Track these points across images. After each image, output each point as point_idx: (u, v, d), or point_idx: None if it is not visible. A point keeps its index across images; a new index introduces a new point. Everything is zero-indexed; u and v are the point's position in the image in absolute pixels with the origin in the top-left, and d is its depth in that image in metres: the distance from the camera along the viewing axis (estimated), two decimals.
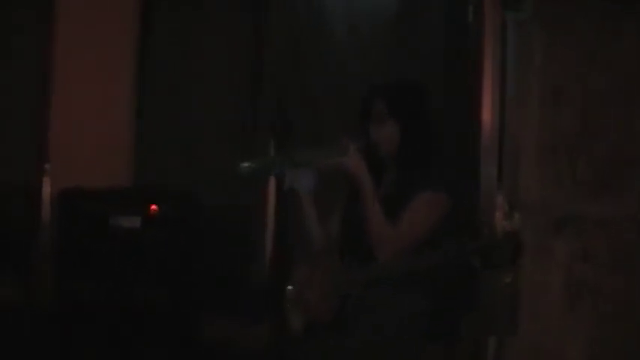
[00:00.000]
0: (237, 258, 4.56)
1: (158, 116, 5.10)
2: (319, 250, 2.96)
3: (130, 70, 5.16)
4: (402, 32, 4.20)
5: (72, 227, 4.41)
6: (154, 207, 4.35)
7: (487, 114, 3.81)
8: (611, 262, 3.38)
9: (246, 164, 2.81)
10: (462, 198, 3.06)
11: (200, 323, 4.42)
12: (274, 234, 4.44)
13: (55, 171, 5.03)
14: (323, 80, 4.45)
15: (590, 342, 3.38)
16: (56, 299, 4.44)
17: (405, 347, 2.74)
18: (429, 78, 3.97)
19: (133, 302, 4.27)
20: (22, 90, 5.64)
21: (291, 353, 2.92)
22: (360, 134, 2.88)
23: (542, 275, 3.52)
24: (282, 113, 4.53)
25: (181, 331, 4.32)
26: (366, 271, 2.76)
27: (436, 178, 2.84)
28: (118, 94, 5.14)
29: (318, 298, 2.85)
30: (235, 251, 4.58)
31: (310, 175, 2.85)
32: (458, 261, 2.55)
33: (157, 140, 5.08)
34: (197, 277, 4.40)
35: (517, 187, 3.70)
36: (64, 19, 5.16)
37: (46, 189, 4.99)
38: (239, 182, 4.17)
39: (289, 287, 2.95)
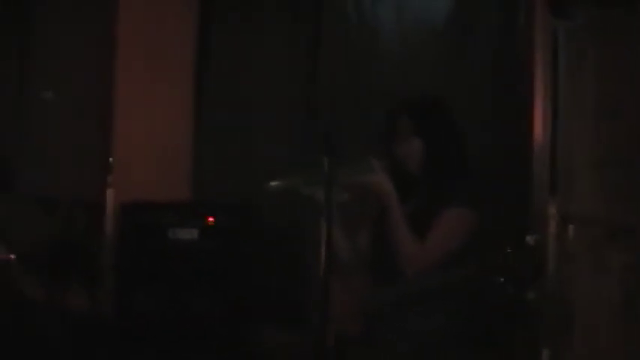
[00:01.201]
0: (291, 270, 4.60)
1: (216, 132, 5.20)
2: (348, 264, 2.99)
3: (189, 88, 5.29)
4: (452, 44, 4.17)
5: (132, 239, 4.53)
6: (211, 219, 4.44)
7: (538, 125, 3.77)
8: None
9: (273, 183, 2.87)
10: (499, 213, 3.04)
11: (254, 334, 4.47)
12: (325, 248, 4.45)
13: (117, 185, 5.16)
14: (373, 93, 4.46)
15: None
16: (117, 309, 4.56)
17: None
18: (477, 89, 3.96)
19: (191, 312, 4.36)
20: (87, 108, 5.84)
21: None
22: (386, 151, 2.89)
23: (596, 287, 3.46)
24: (332, 129, 4.54)
25: (236, 342, 4.39)
26: (395, 288, 2.77)
27: (462, 193, 2.83)
28: (178, 110, 5.27)
29: (347, 312, 2.87)
30: (289, 263, 4.62)
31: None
32: (481, 278, 2.54)
33: (215, 155, 5.17)
34: (252, 288, 4.45)
35: (571, 200, 3.65)
36: (124, 40, 5.31)
37: (109, 203, 5.13)
38: (292, 196, 4.23)
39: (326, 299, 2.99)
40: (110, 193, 5.10)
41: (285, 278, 4.62)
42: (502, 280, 2.50)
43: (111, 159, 5.05)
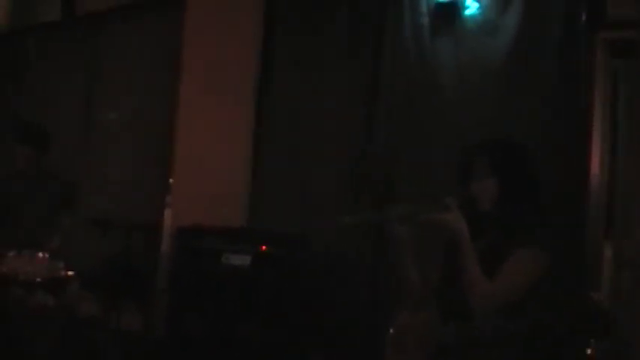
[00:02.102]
0: (344, 300, 4.60)
1: (274, 161, 5.25)
2: (418, 299, 2.99)
3: (250, 114, 5.35)
4: (511, 83, 4.16)
5: (186, 262, 4.61)
6: (264, 247, 4.48)
7: (595, 165, 3.73)
8: None
9: (345, 219, 2.91)
10: (564, 255, 3.00)
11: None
12: (379, 279, 4.46)
13: (175, 208, 5.26)
14: (432, 132, 4.46)
15: None
16: (168, 330, 4.63)
17: None
18: (536, 129, 3.93)
19: (239, 336, 4.39)
20: (150, 132, 5.97)
21: None
22: (460, 189, 2.91)
23: None
24: (388, 168, 4.56)
25: None
26: (463, 327, 2.76)
27: (536, 235, 2.81)
28: (238, 136, 5.35)
29: (415, 345, 2.87)
30: (342, 294, 4.62)
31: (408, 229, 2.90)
32: (548, 329, 2.50)
33: (272, 184, 5.22)
34: (303, 316, 4.47)
35: (632, 242, 3.59)
36: (187, 65, 5.43)
37: (166, 225, 5.24)
38: (348, 229, 4.26)
39: (390, 331, 2.99)
40: (168, 215, 5.21)
41: (336, 308, 4.62)
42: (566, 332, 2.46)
43: (171, 180, 5.16)
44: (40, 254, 4.34)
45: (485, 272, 2.74)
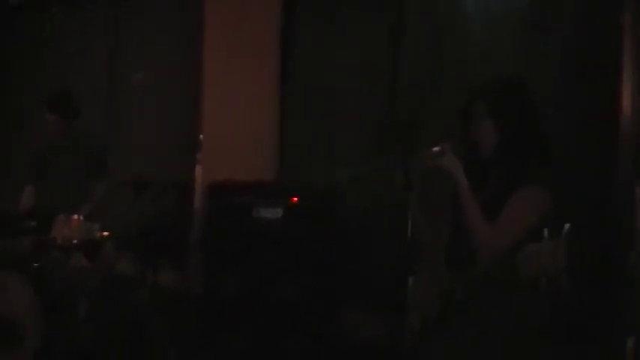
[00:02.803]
0: (373, 250, 4.63)
1: (300, 114, 5.27)
2: (428, 248, 2.99)
3: (275, 70, 5.34)
4: (536, 27, 4.10)
5: (219, 218, 4.65)
6: (295, 199, 4.50)
7: (627, 103, 3.68)
8: None
9: (346, 172, 2.91)
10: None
11: (336, 314, 4.53)
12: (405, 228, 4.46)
13: (205, 166, 5.29)
14: (455, 78, 4.43)
15: None
16: (204, 286, 4.70)
17: (518, 346, 2.71)
18: (561, 72, 3.89)
19: (273, 289, 4.44)
20: (177, 91, 6.00)
21: (413, 345, 2.97)
22: (460, 134, 2.88)
23: None
24: (413, 116, 4.54)
25: (318, 321, 4.45)
26: (469, 272, 2.76)
27: (536, 174, 2.76)
28: (264, 93, 5.35)
29: (424, 292, 2.88)
30: (371, 244, 4.65)
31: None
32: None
33: (300, 136, 5.24)
34: (334, 268, 4.50)
35: None
36: (211, 22, 5.41)
37: (197, 183, 5.27)
38: (376, 178, 4.28)
39: (410, 282, 3.01)
40: (199, 172, 5.24)
41: (365, 260, 4.66)
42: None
43: (201, 136, 5.18)
44: (75, 217, 4.41)
45: (491, 217, 2.71)
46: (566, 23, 3.97)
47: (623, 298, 3.46)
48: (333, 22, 5.08)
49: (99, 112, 6.77)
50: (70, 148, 5.04)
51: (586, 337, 3.26)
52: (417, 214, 2.97)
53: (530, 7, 4.14)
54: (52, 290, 4.21)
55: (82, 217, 4.44)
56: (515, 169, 2.79)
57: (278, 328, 4.46)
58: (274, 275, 4.47)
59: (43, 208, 4.76)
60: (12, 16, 8.09)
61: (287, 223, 4.49)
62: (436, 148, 2.81)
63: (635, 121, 3.69)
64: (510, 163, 2.81)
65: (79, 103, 5.09)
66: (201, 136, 5.41)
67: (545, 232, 2.37)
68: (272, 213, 4.52)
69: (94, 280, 4.59)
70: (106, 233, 4.48)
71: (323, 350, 4.41)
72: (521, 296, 2.70)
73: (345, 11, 5.02)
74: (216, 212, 4.68)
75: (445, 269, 2.87)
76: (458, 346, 2.73)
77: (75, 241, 4.31)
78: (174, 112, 6.08)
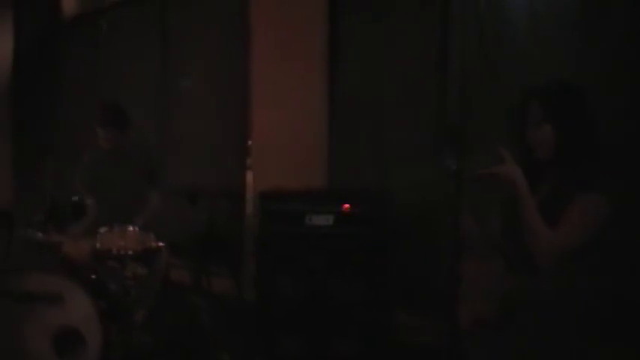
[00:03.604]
0: (426, 255, 4.63)
1: (349, 120, 5.28)
2: (481, 251, 2.99)
3: (323, 76, 5.37)
4: (584, 29, 4.05)
5: (271, 226, 4.69)
6: (346, 206, 4.53)
7: None
8: None
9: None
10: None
11: (390, 317, 4.55)
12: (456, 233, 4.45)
13: (256, 174, 5.36)
14: (504, 81, 4.40)
15: None
16: (258, 293, 4.75)
17: (572, 347, 2.71)
18: (610, 75, 3.84)
19: (327, 296, 4.48)
20: (227, 100, 6.06)
21: (464, 348, 2.97)
22: (517, 139, 2.87)
23: None
24: (463, 119, 4.52)
25: (372, 325, 4.47)
26: (527, 276, 2.76)
27: (595, 180, 2.74)
28: (312, 99, 5.37)
29: (481, 296, 2.88)
30: (424, 249, 4.65)
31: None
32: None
33: (350, 143, 5.26)
34: (387, 273, 4.52)
35: None
36: (258, 30, 5.46)
37: (249, 191, 5.34)
38: (426, 183, 4.29)
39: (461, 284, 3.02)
40: (250, 180, 5.31)
41: (418, 263, 4.67)
42: None
43: (249, 142, 5.24)
44: (131, 228, 4.51)
45: (547, 222, 2.71)
46: (617, 23, 3.91)
47: None
48: (380, 26, 5.08)
49: (150, 123, 6.90)
50: (123, 159, 5.13)
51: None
52: (468, 217, 2.97)
53: (579, 6, 4.09)
54: (110, 299, 4.30)
55: (137, 228, 4.54)
56: (573, 173, 2.78)
57: (331, 332, 4.49)
58: (327, 281, 4.51)
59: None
60: (63, 31, 8.29)
61: (339, 230, 4.53)
62: (495, 154, 2.81)
63: None
64: (568, 166, 2.80)
65: (129, 115, 5.18)
66: (249, 141, 5.48)
67: None
68: (324, 220, 4.55)
69: (150, 288, 4.67)
70: (161, 243, 4.58)
71: (377, 354, 4.43)
72: (580, 300, 2.70)
73: (393, 14, 5.01)
74: (269, 219, 4.72)
75: (502, 273, 2.87)
76: (513, 349, 2.73)
77: (131, 252, 4.41)
78: (223, 120, 6.15)
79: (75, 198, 4.91)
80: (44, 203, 4.64)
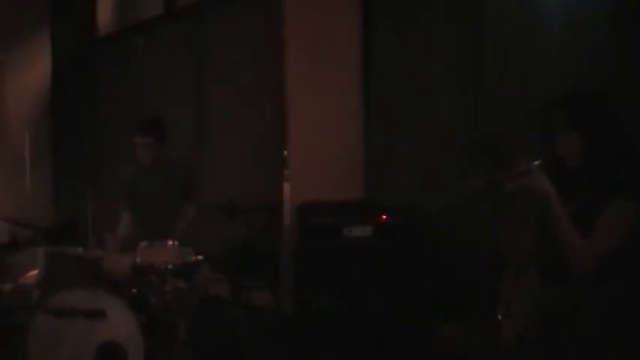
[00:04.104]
0: (462, 265, 4.61)
1: (386, 131, 5.28)
2: (518, 263, 2.97)
3: (358, 88, 5.38)
4: (615, 34, 4.01)
5: (309, 238, 4.70)
6: (384, 217, 4.53)
7: None
8: None
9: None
10: None
11: (428, 329, 4.53)
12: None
13: (293, 187, 5.36)
14: (539, 92, 4.37)
15: None
16: (297, 305, 4.75)
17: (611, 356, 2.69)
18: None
19: (366, 307, 4.47)
20: (264, 113, 6.08)
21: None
22: (545, 148, 2.85)
23: None
24: (496, 130, 4.50)
25: (411, 336, 4.45)
26: (563, 286, 2.73)
27: (626, 187, 2.71)
28: (347, 112, 5.39)
29: (519, 309, 2.86)
30: (460, 259, 4.63)
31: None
32: None
33: (386, 154, 5.25)
34: (425, 283, 4.50)
35: None
36: (292, 43, 5.48)
37: (286, 204, 5.34)
38: (462, 194, 4.26)
39: (501, 297, 3.00)
40: (287, 192, 5.31)
41: (457, 275, 4.64)
42: None
43: (285, 152, 5.24)
44: (170, 242, 4.53)
45: (579, 230, 2.68)
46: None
47: None
48: (414, 36, 5.07)
49: (186, 138, 6.95)
50: (162, 172, 5.15)
51: None
52: (504, 228, 2.95)
53: (612, 13, 4.05)
54: (151, 313, 4.33)
55: (176, 242, 4.57)
56: (604, 181, 2.75)
57: (370, 344, 4.48)
58: (365, 292, 4.50)
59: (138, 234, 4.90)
60: (98, 49, 8.40)
61: (376, 241, 4.52)
62: (523, 167, 2.78)
63: None
64: (598, 175, 2.77)
65: (167, 128, 5.20)
66: (285, 152, 5.49)
67: None
68: (361, 231, 4.55)
69: (190, 302, 4.70)
70: (200, 257, 4.60)
71: None
72: (616, 308, 2.67)
73: (426, 24, 5.01)
74: (307, 232, 4.74)
75: (538, 283, 2.85)
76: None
77: (170, 266, 4.44)
78: (259, 133, 6.18)
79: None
80: (84, 216, 4.69)
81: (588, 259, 2.66)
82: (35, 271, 4.39)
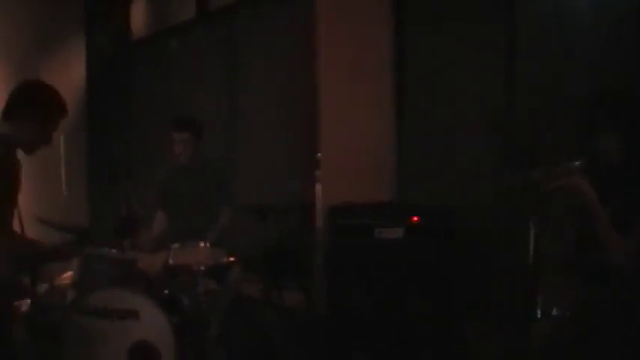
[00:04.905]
0: (494, 267, 4.58)
1: (418, 133, 5.27)
2: (556, 264, 2.94)
3: (389, 90, 5.37)
4: None
5: (341, 239, 4.71)
6: (415, 219, 4.52)
7: None
8: None
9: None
10: None
11: (459, 330, 4.50)
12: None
13: (325, 188, 5.36)
14: (572, 91, 4.33)
15: None
16: (329, 306, 4.76)
17: None
18: None
19: (398, 308, 4.46)
20: (296, 115, 6.10)
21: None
22: (583, 149, 2.82)
23: None
24: (532, 131, 4.47)
25: (442, 337, 4.43)
26: (602, 285, 2.71)
27: None
28: (379, 113, 5.38)
29: (552, 307, 2.84)
30: (492, 260, 4.60)
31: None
32: None
33: (418, 155, 5.24)
34: (457, 284, 4.48)
35: None
36: (324, 45, 5.49)
37: (318, 206, 5.35)
38: (494, 196, 4.24)
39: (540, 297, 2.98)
40: (319, 193, 5.31)
41: (486, 277, 4.61)
42: None
43: (319, 154, 5.24)
44: (202, 244, 4.57)
45: (619, 231, 2.66)
46: None
47: None
48: (445, 38, 5.05)
49: (220, 138, 6.99)
50: (197, 171, 5.18)
51: None
52: (538, 228, 2.93)
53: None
54: (184, 314, 4.36)
55: (208, 244, 4.60)
56: None
57: (402, 345, 4.47)
58: (397, 294, 4.49)
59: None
60: (133, 50, 8.48)
61: (408, 243, 4.51)
62: (564, 167, 2.76)
63: None
64: (635, 174, 2.74)
65: (202, 127, 5.23)
66: (318, 154, 5.50)
67: None
68: (393, 233, 4.55)
69: (222, 302, 4.72)
70: (232, 258, 4.63)
71: None
72: None
73: (458, 25, 4.98)
74: (339, 233, 4.74)
75: (577, 282, 2.82)
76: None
77: (203, 267, 4.47)
78: (292, 135, 6.19)
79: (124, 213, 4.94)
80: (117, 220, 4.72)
81: (629, 259, 2.63)
82: (70, 272, 4.44)
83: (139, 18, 8.45)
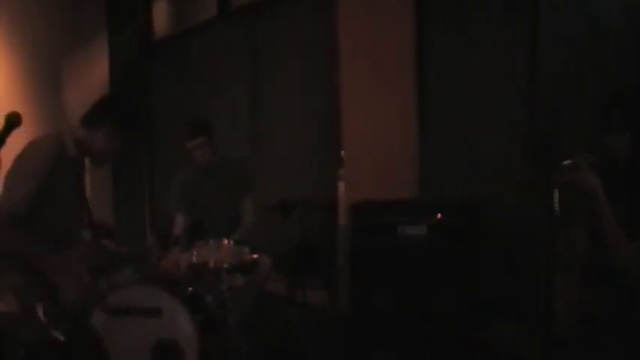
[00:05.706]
0: (518, 264, 4.55)
1: (440, 130, 5.24)
2: (567, 263, 2.91)
3: (411, 87, 5.34)
4: None
5: (364, 237, 4.70)
6: (439, 216, 4.49)
7: None
8: None
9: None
10: None
11: (482, 327, 4.48)
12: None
13: (348, 186, 5.36)
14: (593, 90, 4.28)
15: None
16: (353, 303, 4.75)
17: None
18: None
19: (421, 305, 4.44)
20: (319, 113, 6.10)
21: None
22: (597, 144, 2.78)
23: None
24: (551, 129, 4.43)
25: (465, 334, 4.41)
26: (608, 290, 2.68)
27: None
28: (402, 110, 5.35)
29: (563, 311, 2.81)
30: (516, 258, 4.57)
31: None
32: None
33: (440, 153, 5.21)
34: (479, 282, 4.45)
35: None
36: (346, 43, 5.48)
37: (341, 203, 5.34)
38: (518, 193, 4.20)
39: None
40: (342, 191, 5.30)
41: (510, 274, 4.58)
42: None
43: (342, 152, 5.23)
44: (226, 241, 4.56)
45: (626, 232, 2.62)
46: None
47: None
48: (467, 36, 5.02)
49: (243, 137, 7.00)
50: (217, 172, 5.21)
51: None
52: (558, 227, 2.89)
53: None
54: (207, 312, 4.36)
55: (232, 241, 4.60)
56: None
57: (426, 342, 4.45)
58: (421, 291, 4.47)
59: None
60: (156, 51, 8.52)
61: (432, 240, 4.49)
62: (568, 162, 2.72)
63: None
64: None
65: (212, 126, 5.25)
66: (342, 152, 5.50)
67: None
68: (416, 230, 4.53)
69: (246, 300, 4.73)
70: (255, 255, 4.63)
71: None
72: None
73: (481, 24, 4.95)
74: (362, 231, 4.73)
75: (583, 285, 2.79)
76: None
77: (226, 265, 4.47)
78: (315, 133, 6.19)
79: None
80: (142, 219, 4.74)
81: (633, 262, 2.60)
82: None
83: (160, 19, 8.48)
